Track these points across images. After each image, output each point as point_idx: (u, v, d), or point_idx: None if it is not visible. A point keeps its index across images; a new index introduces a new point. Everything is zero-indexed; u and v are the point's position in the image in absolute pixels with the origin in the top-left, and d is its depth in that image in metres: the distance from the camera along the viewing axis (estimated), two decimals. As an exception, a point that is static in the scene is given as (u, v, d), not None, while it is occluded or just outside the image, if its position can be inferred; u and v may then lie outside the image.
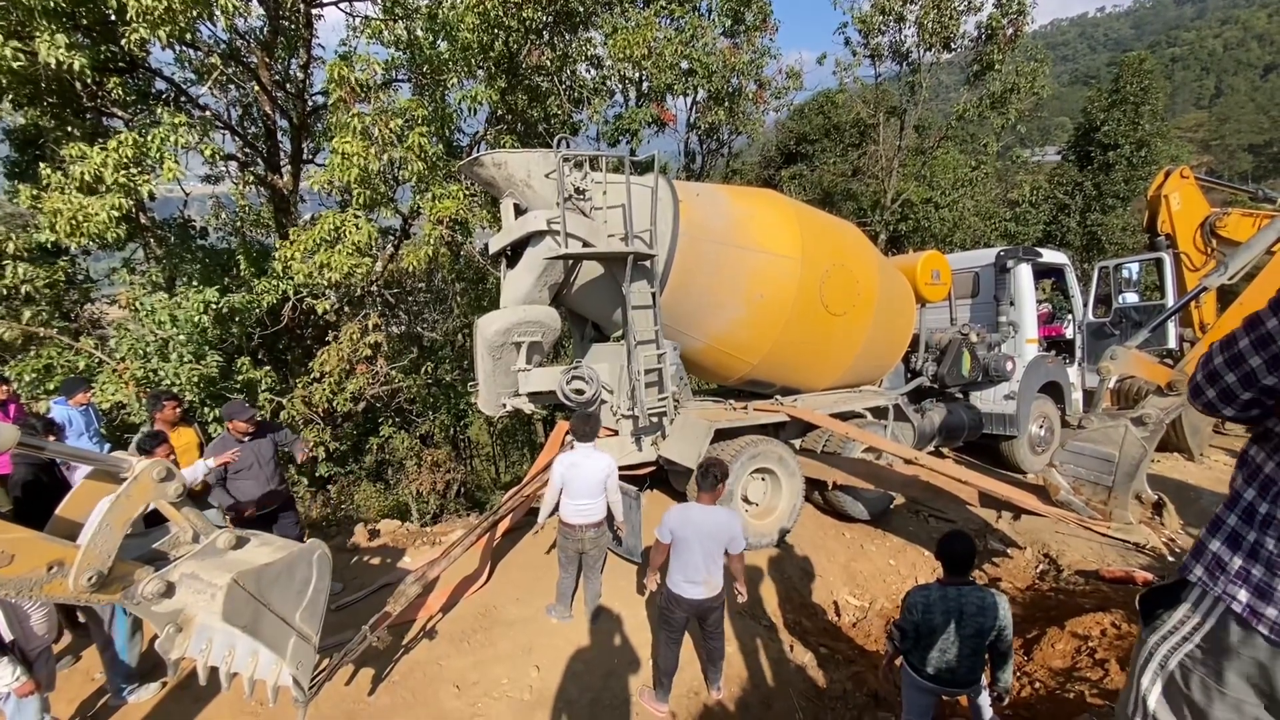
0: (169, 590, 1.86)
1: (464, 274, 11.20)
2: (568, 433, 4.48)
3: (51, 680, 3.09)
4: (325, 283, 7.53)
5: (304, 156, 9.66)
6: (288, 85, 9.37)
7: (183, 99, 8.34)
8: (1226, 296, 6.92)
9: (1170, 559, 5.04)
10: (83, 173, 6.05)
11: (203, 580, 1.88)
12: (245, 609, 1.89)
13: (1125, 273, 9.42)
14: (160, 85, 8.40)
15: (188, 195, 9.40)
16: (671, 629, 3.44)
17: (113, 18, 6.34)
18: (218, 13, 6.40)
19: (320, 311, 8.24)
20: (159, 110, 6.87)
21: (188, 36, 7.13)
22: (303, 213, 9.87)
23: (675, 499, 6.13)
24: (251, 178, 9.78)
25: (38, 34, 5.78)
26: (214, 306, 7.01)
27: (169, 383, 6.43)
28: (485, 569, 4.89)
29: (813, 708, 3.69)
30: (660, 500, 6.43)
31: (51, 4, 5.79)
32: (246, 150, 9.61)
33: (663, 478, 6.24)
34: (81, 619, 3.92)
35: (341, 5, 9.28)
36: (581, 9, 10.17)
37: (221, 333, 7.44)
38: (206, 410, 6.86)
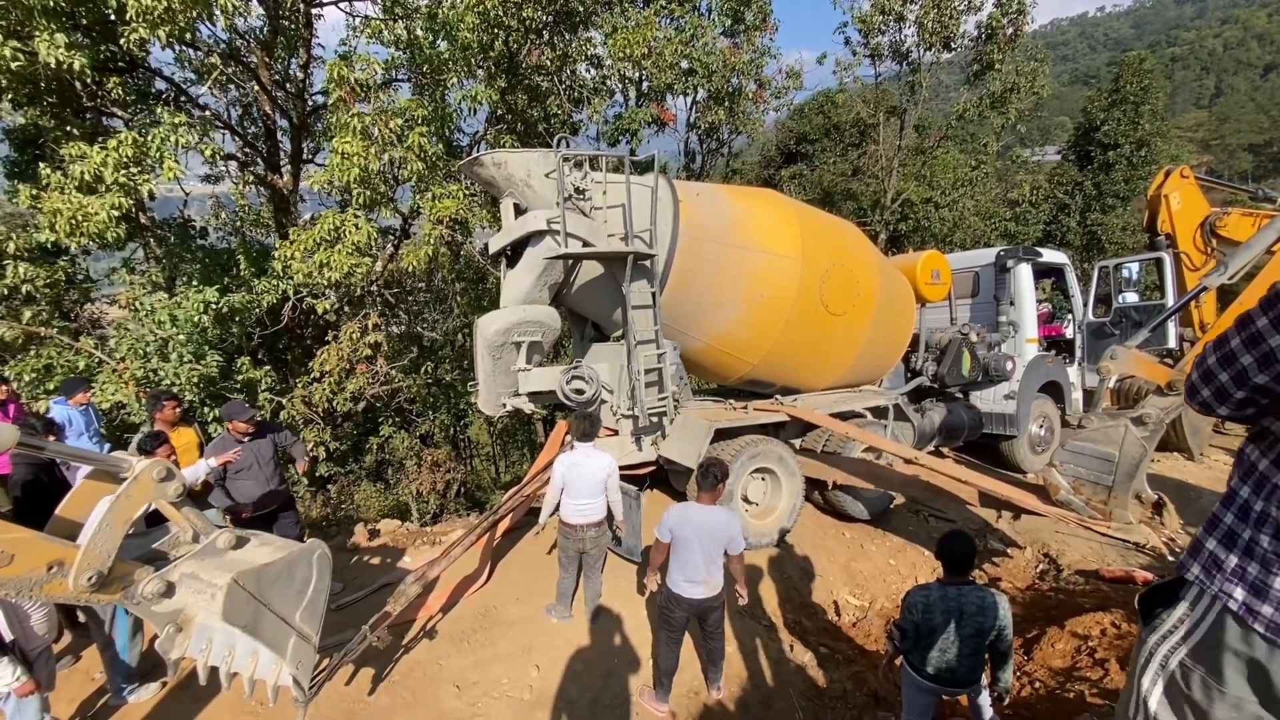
0: (169, 590, 1.85)
1: (464, 274, 11.20)
2: (567, 433, 4.48)
3: (51, 680, 3.09)
4: (325, 282, 7.53)
5: (304, 156, 9.67)
6: (288, 85, 9.37)
7: (183, 99, 8.34)
8: (1226, 296, 6.93)
9: (1170, 558, 5.04)
10: (83, 172, 6.05)
11: (203, 580, 1.88)
12: (245, 609, 1.89)
13: (1125, 272, 9.41)
14: (160, 85, 8.40)
15: (188, 195, 9.41)
16: (671, 629, 3.43)
17: (112, 17, 6.34)
18: (217, 12, 6.39)
19: (320, 311, 8.24)
20: (159, 110, 6.88)
21: (187, 36, 7.13)
22: (303, 212, 9.88)
23: (675, 499, 6.13)
24: (251, 177, 9.78)
25: (37, 33, 5.78)
26: (214, 306, 7.01)
27: (169, 383, 6.42)
28: (485, 569, 4.90)
29: (813, 707, 3.69)
30: (660, 500, 6.43)
31: (51, 3, 5.78)
32: (246, 150, 9.61)
33: (663, 477, 6.24)
34: (81, 619, 3.92)
35: (341, 5, 9.28)
36: (581, 8, 10.16)
37: (221, 332, 7.44)
38: (206, 410, 6.86)
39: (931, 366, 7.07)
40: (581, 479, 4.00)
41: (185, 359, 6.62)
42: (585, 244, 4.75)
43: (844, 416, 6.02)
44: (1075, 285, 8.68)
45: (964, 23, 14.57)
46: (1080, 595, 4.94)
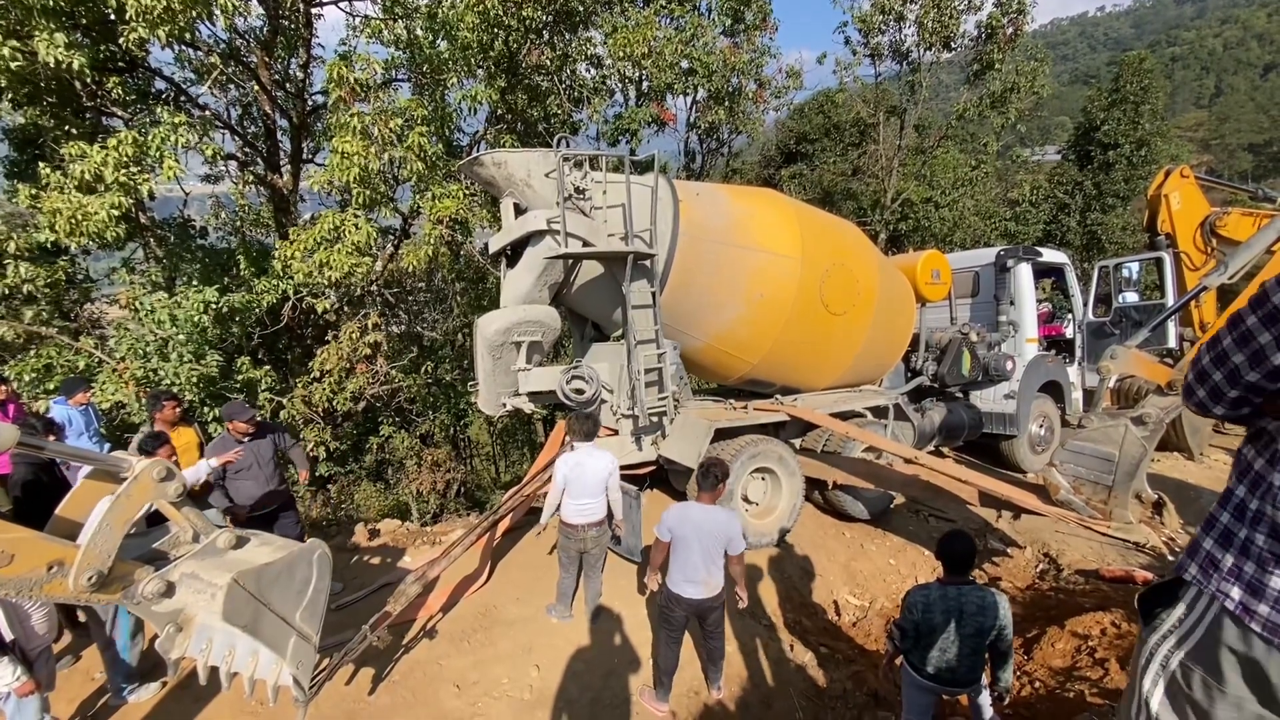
0: (169, 590, 1.85)
1: (464, 273, 11.19)
2: (567, 433, 4.48)
3: (51, 680, 3.10)
4: (325, 282, 7.53)
5: (304, 156, 9.66)
6: (287, 85, 9.37)
7: (182, 98, 8.34)
8: (1226, 296, 6.93)
9: (1170, 558, 5.04)
10: (82, 171, 6.05)
11: (203, 580, 1.88)
12: (245, 609, 1.89)
13: (1125, 272, 9.41)
14: (160, 85, 8.39)
15: (187, 195, 9.41)
16: (671, 628, 3.43)
17: (112, 17, 6.34)
18: (217, 12, 6.39)
19: (320, 311, 8.24)
20: (159, 110, 6.87)
21: (187, 36, 7.12)
22: (302, 212, 9.88)
23: (675, 498, 6.13)
24: (251, 177, 9.78)
25: (37, 33, 5.77)
26: (214, 306, 7.01)
27: (169, 382, 6.42)
28: (485, 568, 4.90)
29: (813, 707, 3.69)
30: (660, 500, 6.43)
31: (50, 3, 5.78)
32: (246, 150, 9.61)
33: (663, 477, 6.24)
34: (82, 619, 3.92)
35: (341, 4, 9.27)
36: (581, 8, 10.16)
37: (221, 332, 7.44)
38: (206, 410, 6.86)
39: (931, 366, 7.07)
40: (584, 479, 4.00)
41: (185, 359, 6.62)
42: (585, 244, 4.75)
43: (844, 416, 6.02)
44: (1075, 285, 8.68)
45: (964, 22, 14.57)
46: (1080, 595, 4.94)
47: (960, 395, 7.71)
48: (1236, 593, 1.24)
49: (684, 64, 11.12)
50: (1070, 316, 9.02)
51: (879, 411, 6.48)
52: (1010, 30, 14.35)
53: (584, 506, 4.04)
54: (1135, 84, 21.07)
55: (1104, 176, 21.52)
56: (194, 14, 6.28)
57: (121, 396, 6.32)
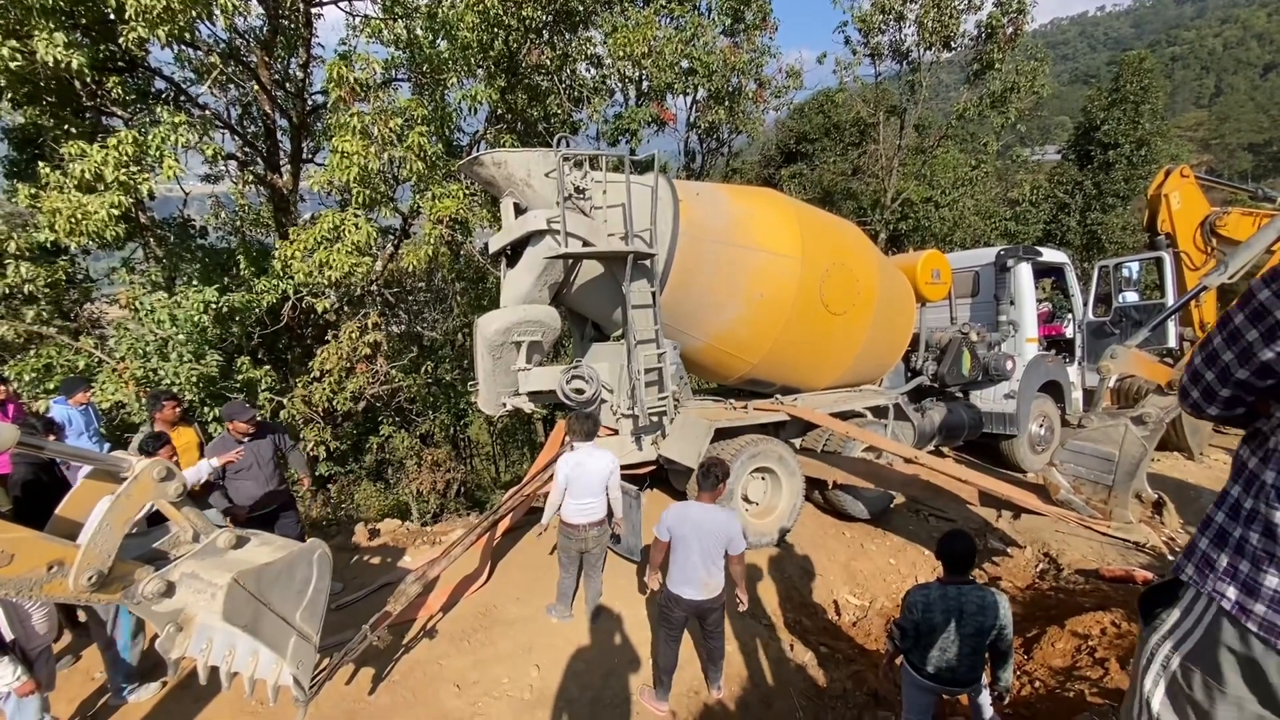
0: (169, 590, 1.85)
1: (464, 273, 11.19)
2: (567, 432, 4.48)
3: (51, 680, 3.09)
4: (325, 282, 7.53)
5: (304, 156, 9.66)
6: (287, 84, 9.36)
7: (182, 98, 8.33)
8: (1227, 296, 6.93)
9: (1170, 558, 5.04)
10: (82, 171, 6.04)
11: (203, 580, 1.88)
12: (245, 608, 1.88)
13: (1125, 272, 9.42)
14: (160, 84, 8.39)
15: (187, 194, 9.41)
16: (671, 628, 3.43)
17: (111, 16, 6.33)
18: (217, 12, 6.39)
19: (320, 310, 8.24)
20: (159, 109, 6.87)
21: (187, 35, 7.12)
22: (302, 212, 9.87)
23: (675, 498, 6.13)
24: (251, 177, 9.78)
25: (36, 33, 5.77)
26: (214, 306, 7.01)
27: (169, 382, 6.42)
28: (485, 568, 4.90)
29: (813, 707, 3.69)
30: (660, 499, 6.43)
31: (50, 2, 5.77)
32: (246, 149, 9.61)
33: (663, 477, 6.24)
34: (82, 619, 3.92)
35: (341, 4, 9.27)
36: (581, 8, 10.16)
37: (221, 332, 7.44)
38: (206, 410, 6.86)
39: (931, 366, 7.07)
40: (585, 478, 4.01)
41: (185, 359, 6.62)
42: (585, 243, 4.75)
43: (844, 416, 6.02)
44: (1075, 285, 8.67)
45: (964, 22, 14.58)
46: (1080, 595, 4.94)
47: (960, 395, 7.71)
48: (1232, 592, 1.24)
49: (684, 64, 11.12)
50: (1070, 316, 9.02)
51: (879, 411, 6.48)
52: (1010, 30, 14.36)
53: (585, 506, 4.04)
54: (1135, 84, 21.08)
55: (1104, 176, 21.53)
56: (194, 14, 6.28)
57: (121, 396, 6.32)
